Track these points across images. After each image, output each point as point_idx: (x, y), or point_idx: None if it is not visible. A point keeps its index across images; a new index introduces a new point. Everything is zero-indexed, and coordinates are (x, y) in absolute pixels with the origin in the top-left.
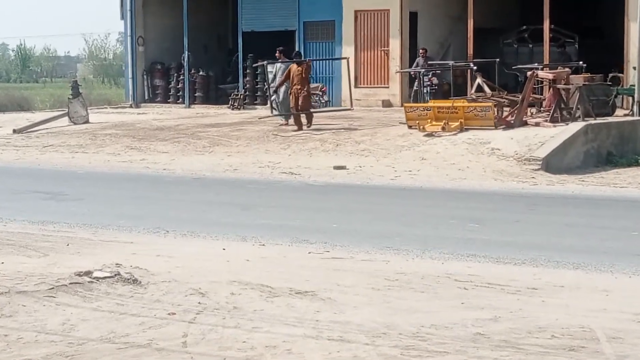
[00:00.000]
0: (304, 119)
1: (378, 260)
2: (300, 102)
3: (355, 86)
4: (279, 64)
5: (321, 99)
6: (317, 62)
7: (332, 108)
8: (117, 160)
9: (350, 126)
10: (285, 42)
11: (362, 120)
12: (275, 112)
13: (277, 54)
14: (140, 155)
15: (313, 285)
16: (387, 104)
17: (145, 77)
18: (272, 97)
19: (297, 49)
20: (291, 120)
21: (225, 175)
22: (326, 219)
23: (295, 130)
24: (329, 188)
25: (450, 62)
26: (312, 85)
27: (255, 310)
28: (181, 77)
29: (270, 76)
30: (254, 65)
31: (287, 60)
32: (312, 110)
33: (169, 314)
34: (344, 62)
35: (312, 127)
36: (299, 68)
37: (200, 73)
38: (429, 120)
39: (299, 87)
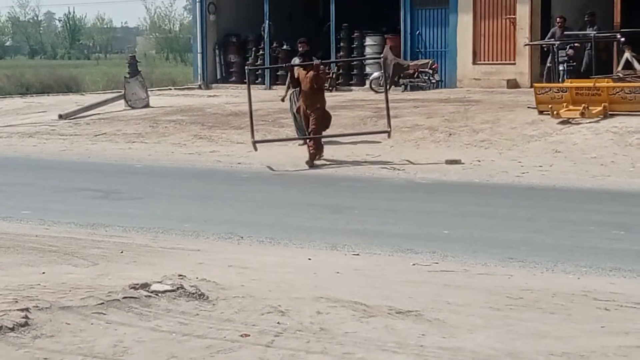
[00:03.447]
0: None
1: (498, 274)
2: (311, 123)
3: (474, 63)
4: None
5: (431, 78)
6: (427, 33)
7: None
8: (182, 152)
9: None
10: (387, 10)
11: (480, 105)
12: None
13: (299, 47)
14: (211, 146)
15: (418, 304)
16: (513, 84)
17: (217, 52)
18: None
19: (301, 40)
20: None
21: (311, 171)
22: (435, 224)
23: (307, 162)
24: (439, 187)
25: (592, 33)
26: (421, 61)
27: (346, 332)
28: (260, 53)
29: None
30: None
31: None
32: (328, 135)
33: (241, 335)
34: (460, 33)
35: (324, 160)
36: (308, 74)
37: (284, 47)
38: (565, 104)
39: (308, 100)
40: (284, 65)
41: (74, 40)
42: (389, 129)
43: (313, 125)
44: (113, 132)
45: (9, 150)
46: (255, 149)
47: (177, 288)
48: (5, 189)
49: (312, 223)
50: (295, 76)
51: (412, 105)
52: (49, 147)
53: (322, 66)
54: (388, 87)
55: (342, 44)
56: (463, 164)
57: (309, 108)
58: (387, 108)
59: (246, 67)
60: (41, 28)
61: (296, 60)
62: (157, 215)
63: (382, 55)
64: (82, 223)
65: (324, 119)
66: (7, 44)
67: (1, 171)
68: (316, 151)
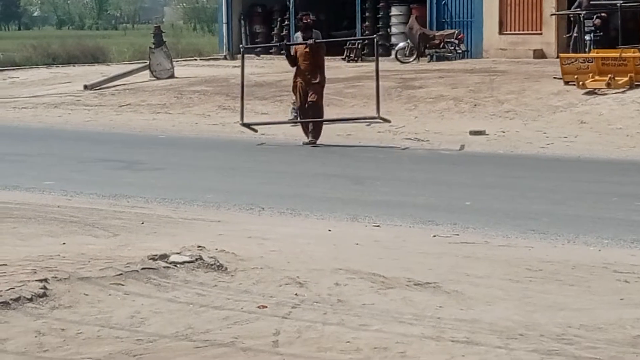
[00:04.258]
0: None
1: (519, 246)
2: (309, 101)
3: (500, 33)
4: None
5: (457, 48)
6: (453, 3)
7: (352, 118)
8: (206, 123)
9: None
10: None
11: (506, 75)
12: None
13: (304, 20)
14: (235, 116)
15: (436, 276)
16: (539, 54)
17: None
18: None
19: (304, 13)
20: None
21: (335, 141)
22: (457, 195)
23: (306, 144)
24: (463, 158)
25: (619, 2)
26: (447, 31)
27: (363, 304)
28: (286, 23)
29: None
30: None
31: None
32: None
33: (259, 307)
34: (486, 2)
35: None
36: (306, 49)
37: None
38: (591, 75)
39: (306, 77)
40: (279, 44)
41: (102, 11)
42: (377, 115)
43: (312, 99)
44: (138, 102)
45: (34, 121)
46: (255, 131)
47: (196, 259)
48: (28, 159)
49: (333, 194)
50: (292, 53)
51: (438, 76)
52: (74, 118)
53: (321, 43)
54: (417, 58)
55: (367, 14)
56: (487, 135)
57: (306, 85)
58: (377, 89)
59: (241, 47)
60: None
61: (298, 36)
62: (179, 186)
63: (407, 25)
64: (105, 194)
65: (322, 98)
66: (35, 14)
67: (26, 142)
68: (317, 132)
